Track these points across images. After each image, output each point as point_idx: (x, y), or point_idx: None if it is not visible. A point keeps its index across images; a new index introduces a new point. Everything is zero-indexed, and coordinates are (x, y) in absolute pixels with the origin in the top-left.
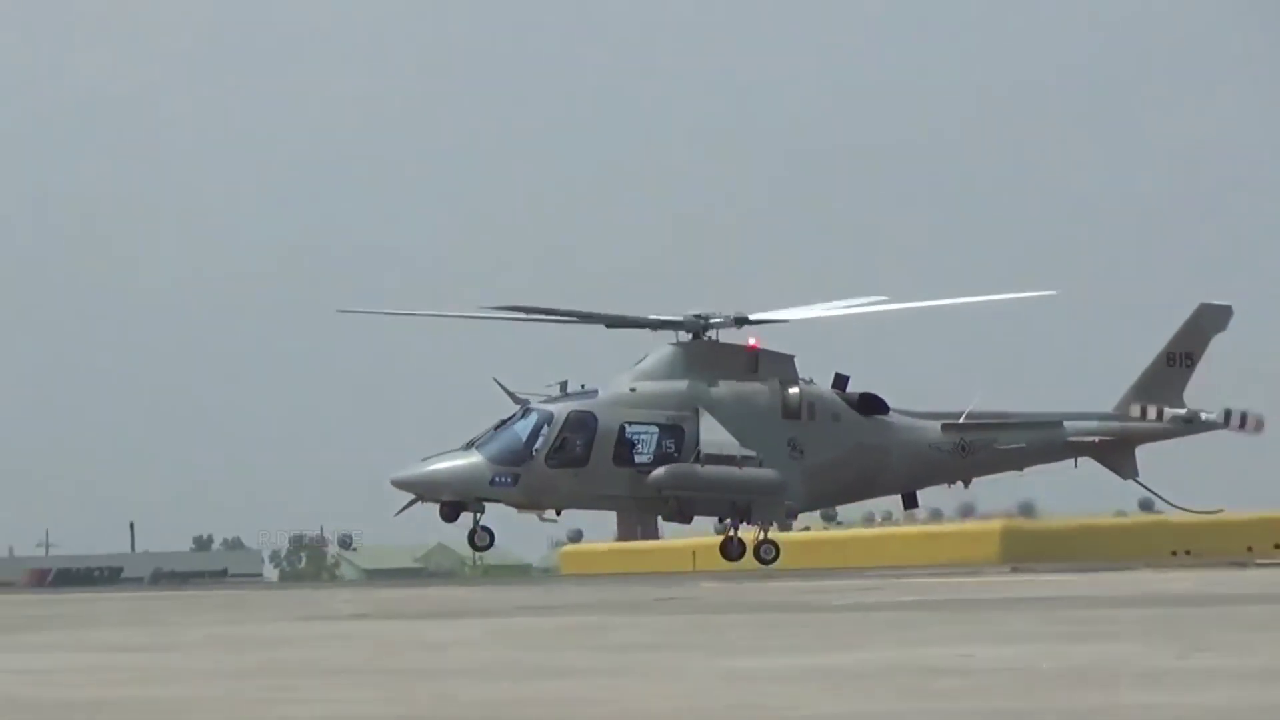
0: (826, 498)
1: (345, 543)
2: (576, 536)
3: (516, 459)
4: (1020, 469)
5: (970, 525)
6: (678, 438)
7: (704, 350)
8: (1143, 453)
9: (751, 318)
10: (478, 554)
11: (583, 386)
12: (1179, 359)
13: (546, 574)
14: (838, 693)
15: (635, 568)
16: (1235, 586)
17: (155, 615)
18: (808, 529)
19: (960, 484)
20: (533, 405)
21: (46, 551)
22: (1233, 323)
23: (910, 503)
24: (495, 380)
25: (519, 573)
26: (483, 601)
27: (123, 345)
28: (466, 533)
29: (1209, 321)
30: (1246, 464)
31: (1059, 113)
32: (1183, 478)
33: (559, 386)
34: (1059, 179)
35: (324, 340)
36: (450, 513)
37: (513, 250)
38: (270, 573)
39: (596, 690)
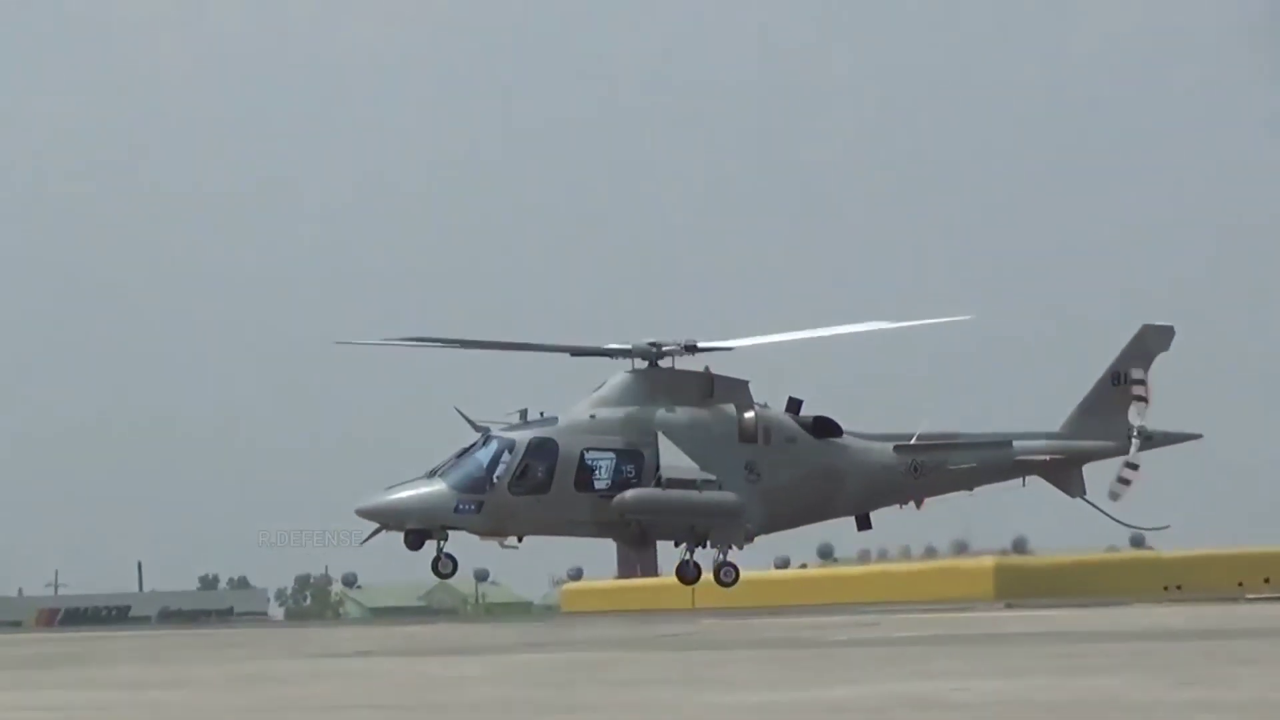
0: (783, 520)
1: (350, 581)
2: (577, 575)
3: (479, 486)
4: (970, 488)
5: (964, 562)
6: (637, 463)
7: (660, 377)
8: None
9: (700, 345)
10: (442, 579)
11: (541, 414)
12: (1123, 378)
13: (548, 611)
14: None
15: (635, 605)
16: (1225, 621)
17: (165, 654)
18: (805, 566)
19: (913, 505)
20: (493, 433)
21: (55, 591)
22: (1174, 343)
23: (864, 524)
24: (457, 409)
25: (521, 610)
26: (487, 639)
27: (128, 387)
28: (430, 560)
29: (1152, 342)
30: (1232, 494)
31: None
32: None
33: (519, 414)
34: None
35: (325, 376)
36: (415, 541)
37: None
38: (276, 611)
39: None
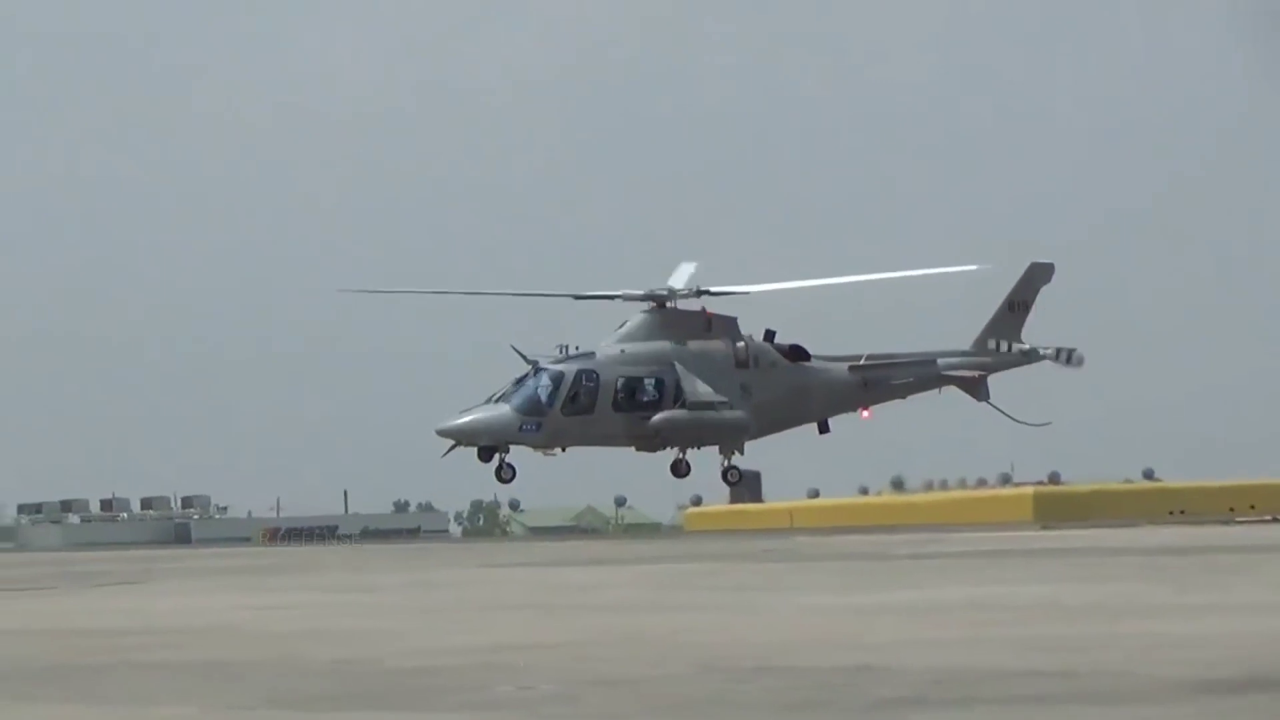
0: (768, 428)
1: (514, 505)
2: (698, 501)
3: (539, 410)
4: (905, 397)
5: (1009, 491)
6: (660, 388)
7: (671, 316)
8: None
9: (711, 290)
10: (503, 483)
11: (577, 348)
12: (1017, 306)
13: (674, 530)
14: (904, 624)
15: (743, 525)
16: (1219, 540)
17: (364, 563)
18: (880, 493)
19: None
20: (543, 365)
21: (278, 513)
22: (1056, 277)
23: (823, 429)
24: (512, 347)
25: (652, 530)
26: (623, 552)
27: (336, 335)
28: (493, 469)
29: (1039, 276)
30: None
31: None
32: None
33: (559, 349)
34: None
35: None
36: (486, 455)
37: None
38: (455, 530)
39: (714, 622)
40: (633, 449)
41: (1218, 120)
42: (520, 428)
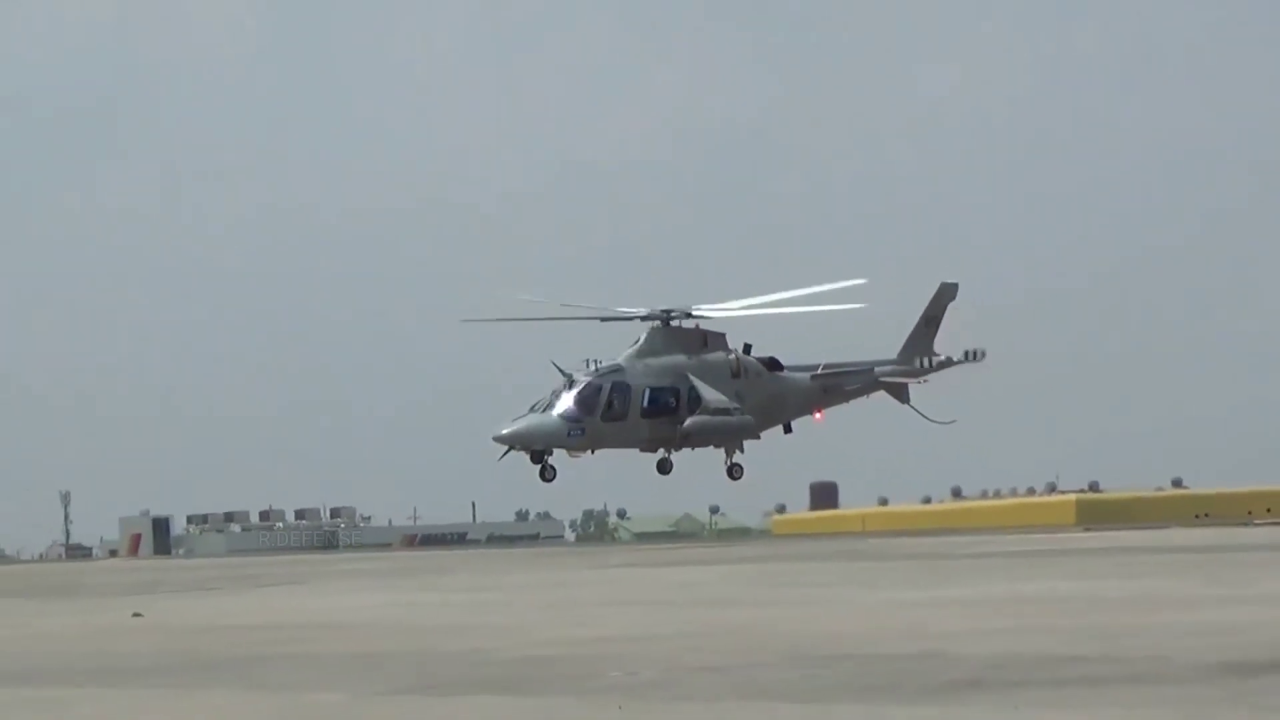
0: (757, 430)
1: (621, 514)
2: (782, 508)
3: (582, 417)
4: (848, 401)
5: (1054, 498)
6: (678, 396)
7: (677, 334)
8: None
9: (695, 311)
10: (546, 482)
11: (600, 362)
12: (931, 321)
13: (763, 534)
14: (964, 615)
15: (823, 530)
16: (1239, 539)
17: (491, 565)
18: (941, 501)
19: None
20: (578, 378)
21: (415, 522)
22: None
23: (787, 430)
24: (553, 362)
25: (742, 534)
26: (718, 554)
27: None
28: (538, 470)
29: (946, 294)
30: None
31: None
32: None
33: (586, 363)
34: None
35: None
36: (537, 458)
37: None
38: (569, 536)
39: (799, 614)
40: (656, 451)
41: (1236, 129)
42: (568, 434)
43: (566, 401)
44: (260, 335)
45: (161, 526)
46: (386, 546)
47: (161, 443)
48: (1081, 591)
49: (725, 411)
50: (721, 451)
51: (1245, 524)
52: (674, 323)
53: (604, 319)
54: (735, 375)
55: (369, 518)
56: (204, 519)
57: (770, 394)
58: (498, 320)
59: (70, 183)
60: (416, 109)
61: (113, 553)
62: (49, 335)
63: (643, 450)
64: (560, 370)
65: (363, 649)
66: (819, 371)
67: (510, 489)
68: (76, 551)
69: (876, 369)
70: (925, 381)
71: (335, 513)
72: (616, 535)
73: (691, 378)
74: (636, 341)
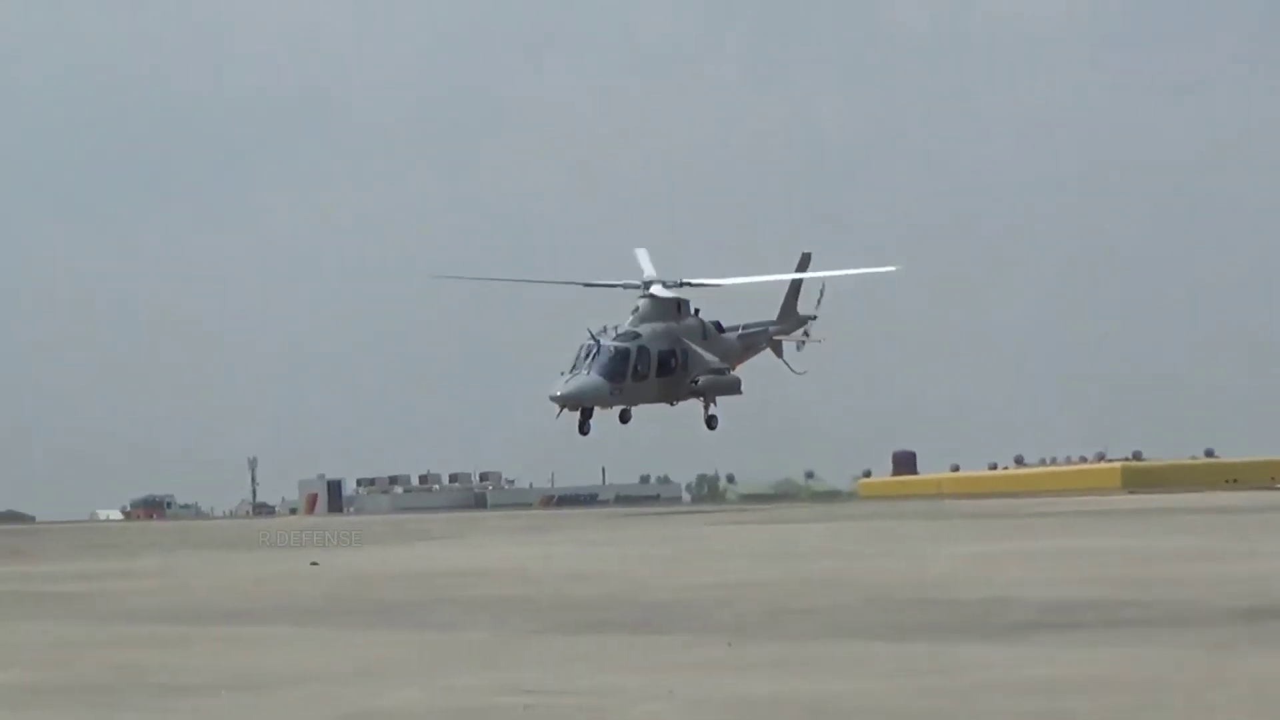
0: None
1: (730, 478)
2: (868, 473)
3: (619, 377)
4: (759, 352)
5: (1103, 466)
6: (678, 358)
7: (664, 303)
8: None
9: (687, 281)
10: (584, 435)
11: (616, 327)
12: (796, 287)
13: (852, 496)
14: (1026, 566)
15: (904, 492)
16: (1263, 502)
17: (618, 522)
18: (1006, 468)
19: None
20: (605, 343)
21: (552, 484)
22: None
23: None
24: (588, 329)
25: (833, 496)
26: (815, 513)
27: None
28: (578, 425)
29: (805, 263)
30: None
31: None
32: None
33: (604, 329)
34: None
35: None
36: (587, 414)
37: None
38: (686, 497)
39: (882, 565)
40: (668, 405)
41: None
42: (610, 393)
43: (606, 365)
44: (418, 321)
45: (335, 488)
46: (527, 506)
47: (335, 414)
48: (1126, 546)
49: (722, 371)
50: (700, 404)
51: (1269, 488)
52: (663, 291)
53: (586, 285)
54: (704, 337)
55: (513, 481)
56: (371, 481)
57: (721, 352)
58: (469, 278)
59: (274, 172)
60: None
61: (293, 511)
62: (236, 321)
63: (671, 404)
64: (591, 335)
65: (506, 593)
66: (740, 331)
67: (636, 453)
68: (261, 510)
69: (771, 327)
70: (804, 339)
71: (484, 476)
72: (725, 496)
73: (685, 340)
74: (636, 309)
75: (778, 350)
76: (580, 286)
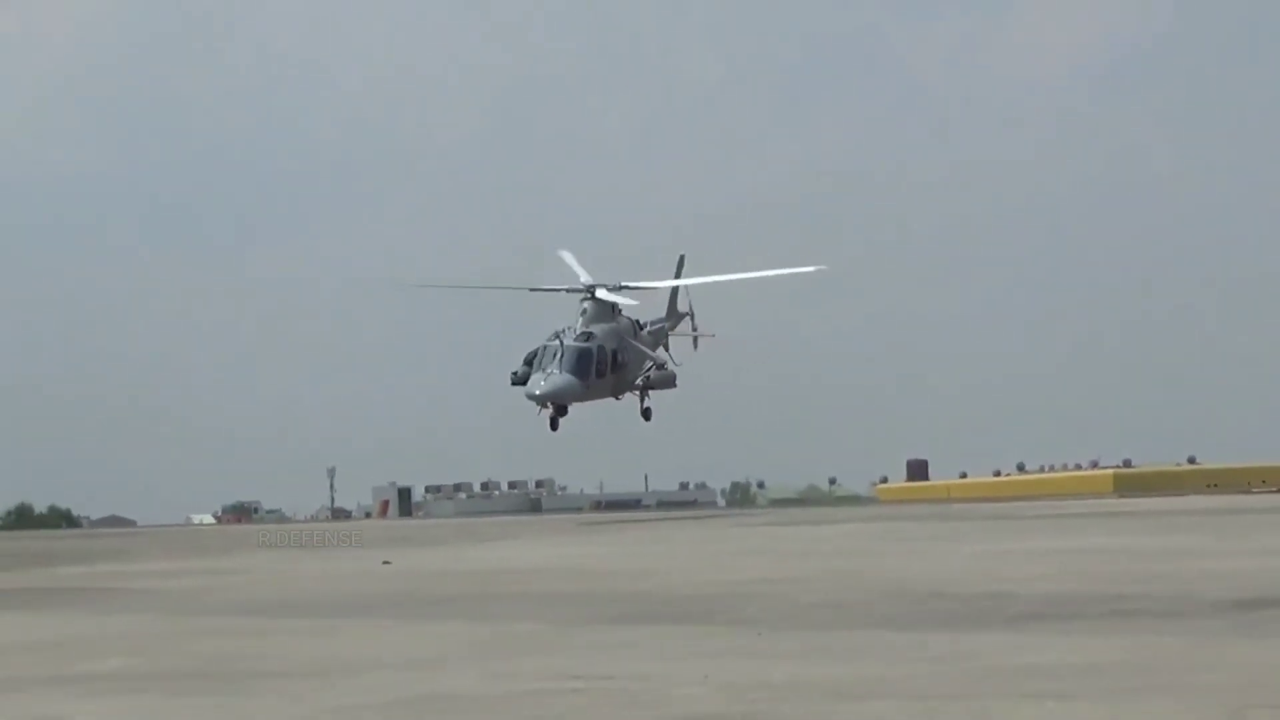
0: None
1: (760, 484)
2: (885, 479)
3: (586, 375)
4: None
5: (1096, 472)
6: (621, 355)
7: (604, 306)
8: None
9: (626, 284)
10: (554, 431)
11: (570, 329)
12: (675, 289)
13: (870, 500)
14: (1029, 562)
15: (917, 497)
16: (1243, 505)
17: (660, 525)
18: (1008, 474)
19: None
20: (569, 343)
21: (600, 490)
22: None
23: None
24: (556, 331)
25: (854, 500)
26: (835, 515)
27: None
28: (549, 420)
29: (681, 265)
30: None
31: None
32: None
33: (565, 330)
34: None
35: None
36: (561, 412)
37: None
38: (720, 501)
39: (899, 562)
40: (614, 399)
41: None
42: (581, 390)
43: (575, 364)
44: (477, 342)
45: (405, 494)
46: (577, 510)
47: (405, 427)
48: (1118, 545)
49: (662, 365)
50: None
51: (1246, 492)
52: (605, 295)
53: (532, 289)
54: (634, 335)
55: (565, 487)
56: (438, 488)
57: (649, 347)
58: (450, 286)
59: (338, 202)
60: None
61: (367, 515)
62: (315, 344)
63: (617, 399)
64: (559, 336)
65: (558, 589)
66: (650, 328)
67: (676, 462)
68: (339, 514)
69: (665, 325)
70: (696, 333)
71: (539, 483)
72: (757, 501)
73: (626, 339)
74: (584, 312)
75: (667, 345)
76: (527, 291)
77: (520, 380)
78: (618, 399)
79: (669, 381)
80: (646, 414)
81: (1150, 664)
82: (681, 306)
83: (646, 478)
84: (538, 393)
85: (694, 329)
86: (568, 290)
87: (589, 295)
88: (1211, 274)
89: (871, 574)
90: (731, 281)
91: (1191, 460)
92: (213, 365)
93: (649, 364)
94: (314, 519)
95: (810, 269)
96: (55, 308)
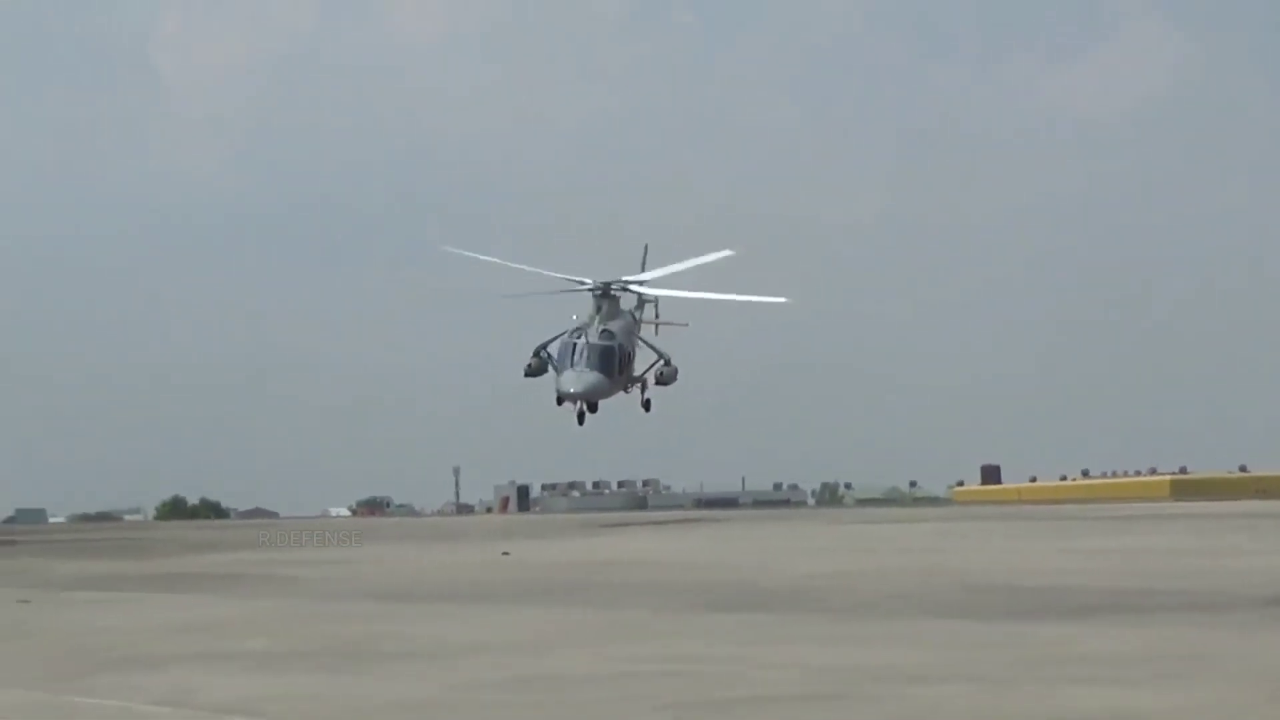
0: None
1: (848, 485)
2: (961, 482)
3: (612, 373)
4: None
5: (1154, 478)
6: (631, 352)
7: (616, 302)
8: None
9: (628, 283)
10: (580, 426)
11: (590, 326)
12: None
13: (948, 501)
14: (1091, 559)
15: (990, 499)
16: None
17: (755, 522)
18: (1074, 479)
19: None
20: (594, 340)
21: (701, 489)
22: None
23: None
24: (574, 317)
25: (933, 501)
26: (915, 515)
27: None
28: (576, 415)
29: (646, 250)
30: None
31: None
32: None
33: (585, 326)
34: None
35: None
36: (592, 408)
37: None
38: (811, 501)
39: (971, 558)
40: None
41: None
42: (609, 386)
43: (601, 362)
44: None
45: (523, 492)
46: (680, 507)
47: (524, 429)
48: (1172, 545)
49: (668, 361)
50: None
51: None
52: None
53: (560, 289)
54: (635, 332)
55: (669, 486)
56: (554, 486)
57: (650, 343)
58: (473, 255)
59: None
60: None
61: (488, 510)
62: (436, 356)
63: (626, 392)
64: (581, 332)
65: (661, 578)
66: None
67: (771, 463)
68: (463, 509)
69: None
70: (656, 321)
71: (645, 483)
72: (844, 501)
73: (634, 335)
74: (600, 309)
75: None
76: (545, 278)
77: (534, 372)
78: (626, 392)
79: (674, 376)
80: (647, 405)
81: (1199, 652)
82: (648, 295)
83: (743, 479)
84: (572, 390)
85: (656, 315)
86: (578, 283)
87: (602, 291)
88: (1266, 296)
89: (946, 569)
90: (701, 301)
91: (1242, 468)
92: (352, 371)
93: (657, 360)
94: (440, 513)
95: (780, 300)
96: (217, 312)
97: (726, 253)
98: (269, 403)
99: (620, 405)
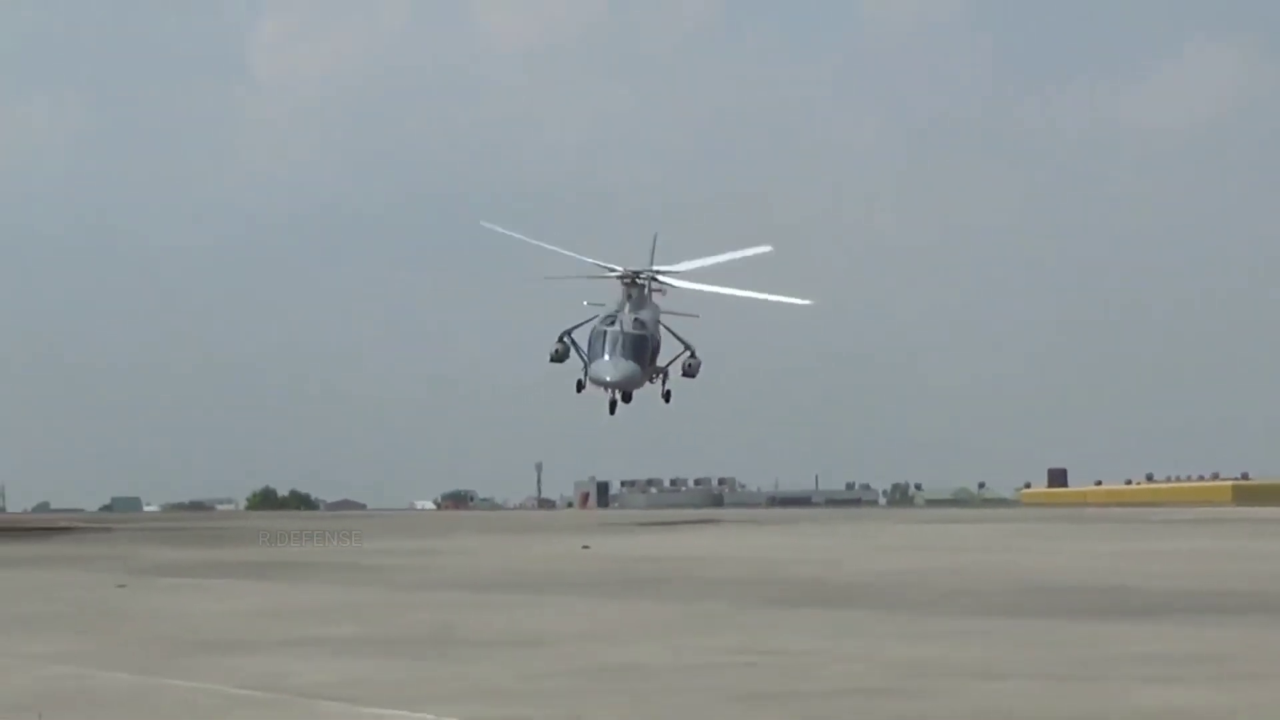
0: None
1: (918, 486)
2: (1028, 485)
3: (644, 362)
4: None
5: (1217, 484)
6: (659, 343)
7: (643, 290)
8: None
9: (656, 272)
10: (611, 415)
11: (620, 315)
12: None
13: (1015, 503)
14: (1152, 561)
15: (1057, 501)
16: None
17: (827, 520)
18: (1139, 483)
19: None
20: (628, 330)
21: (775, 488)
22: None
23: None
24: (584, 303)
25: (1001, 503)
26: (983, 515)
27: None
28: (609, 404)
29: (655, 239)
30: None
31: None
32: None
33: (618, 314)
34: None
35: None
36: (627, 398)
37: None
38: (881, 500)
39: (1036, 559)
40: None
41: None
42: (642, 375)
43: (634, 351)
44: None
45: (602, 488)
46: (755, 505)
47: (604, 428)
48: (1232, 548)
49: (693, 351)
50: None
51: None
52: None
53: (591, 276)
54: (659, 321)
55: (744, 484)
56: (632, 483)
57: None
58: (506, 232)
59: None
60: None
61: (569, 505)
62: (523, 356)
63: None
64: (615, 320)
65: (737, 574)
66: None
67: (844, 463)
68: (544, 504)
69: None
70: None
71: (721, 481)
72: (914, 501)
73: (661, 325)
74: (630, 296)
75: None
76: (575, 262)
77: (558, 358)
78: (651, 382)
79: (699, 368)
80: (667, 396)
81: (1257, 653)
82: (658, 285)
83: (817, 478)
84: (608, 379)
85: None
86: (607, 269)
87: (636, 280)
88: None
89: (1013, 568)
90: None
91: None
92: (440, 368)
93: (683, 351)
94: (521, 507)
95: (805, 301)
96: (312, 309)
97: (764, 248)
98: (358, 397)
99: (707, 402)
